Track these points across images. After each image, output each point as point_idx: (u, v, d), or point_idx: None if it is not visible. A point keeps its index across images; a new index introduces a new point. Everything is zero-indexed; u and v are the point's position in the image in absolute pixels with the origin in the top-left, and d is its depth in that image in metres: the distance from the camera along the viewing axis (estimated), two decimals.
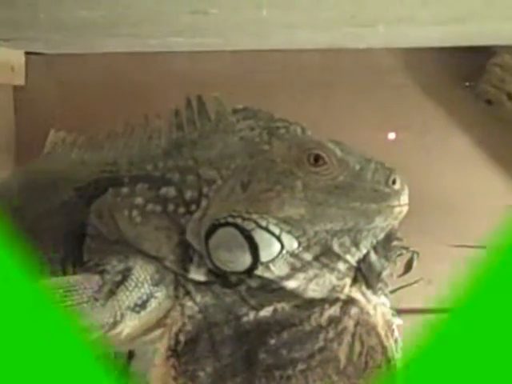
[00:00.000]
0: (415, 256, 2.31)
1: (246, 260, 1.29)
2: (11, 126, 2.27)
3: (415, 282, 2.28)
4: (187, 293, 1.36)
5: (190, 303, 1.36)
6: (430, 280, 2.35)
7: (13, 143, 2.27)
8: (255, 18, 1.55)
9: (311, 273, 1.32)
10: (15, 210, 1.57)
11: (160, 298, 1.36)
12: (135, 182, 1.41)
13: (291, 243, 1.29)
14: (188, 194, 1.37)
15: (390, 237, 1.32)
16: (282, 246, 1.29)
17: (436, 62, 2.28)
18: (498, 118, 2.26)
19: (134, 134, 1.54)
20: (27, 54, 2.25)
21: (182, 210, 1.36)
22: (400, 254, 2.17)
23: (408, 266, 2.32)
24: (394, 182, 1.27)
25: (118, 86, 2.22)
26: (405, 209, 1.28)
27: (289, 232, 1.29)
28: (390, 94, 2.28)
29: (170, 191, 1.38)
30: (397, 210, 1.27)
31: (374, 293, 1.34)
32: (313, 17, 1.57)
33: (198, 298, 1.35)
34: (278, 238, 1.29)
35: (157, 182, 1.40)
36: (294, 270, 1.32)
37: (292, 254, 1.30)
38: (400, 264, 2.25)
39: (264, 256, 1.29)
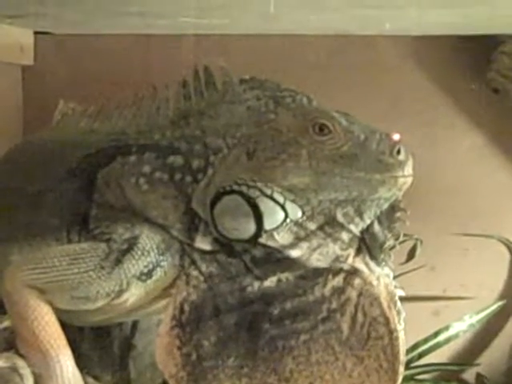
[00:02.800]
0: (419, 243, 2.32)
1: (251, 228, 1.30)
2: (20, 105, 2.28)
3: (418, 268, 2.28)
4: (193, 262, 1.37)
5: (195, 273, 1.36)
6: (432, 267, 2.36)
7: (21, 123, 2.29)
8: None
9: (315, 242, 1.33)
10: (23, 177, 1.58)
11: (166, 267, 1.37)
12: (143, 150, 1.43)
13: (295, 212, 1.30)
14: (195, 163, 1.38)
15: (393, 208, 1.32)
16: (286, 215, 1.30)
17: (444, 50, 2.29)
18: (504, 107, 2.27)
19: (143, 104, 1.55)
20: (36, 33, 2.25)
21: (188, 178, 1.37)
22: (404, 241, 2.20)
23: (411, 254, 2.33)
24: (398, 153, 1.27)
25: (125, 67, 2.23)
26: (409, 180, 1.28)
27: (293, 201, 1.30)
28: (397, 81, 2.28)
29: (177, 160, 1.39)
30: (401, 180, 1.27)
31: (378, 264, 1.35)
32: None
33: (204, 268, 1.36)
34: (282, 207, 1.29)
35: (164, 150, 1.41)
36: (297, 239, 1.32)
37: (296, 223, 1.31)
38: (404, 251, 2.26)
39: (268, 224, 1.30)
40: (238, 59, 1.94)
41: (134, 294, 1.38)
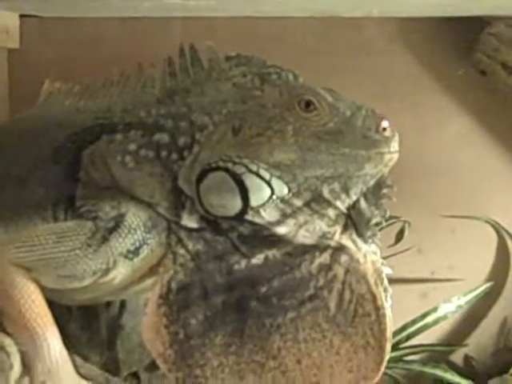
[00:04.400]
0: (406, 226, 2.32)
1: (237, 204, 1.30)
2: (5, 89, 2.26)
3: (406, 250, 2.29)
4: (179, 240, 1.37)
5: (182, 251, 1.36)
6: (420, 249, 2.36)
7: (7, 107, 2.27)
8: None
9: (301, 219, 1.33)
10: (9, 156, 1.58)
11: (152, 244, 1.37)
12: (129, 128, 1.43)
13: (281, 188, 1.30)
14: (181, 140, 1.38)
15: (380, 184, 1.33)
16: (272, 191, 1.30)
17: (431, 32, 2.29)
18: (491, 88, 2.27)
19: (129, 82, 1.56)
20: (22, 16, 2.24)
21: (174, 156, 1.37)
22: (392, 223, 2.20)
23: (399, 236, 2.33)
24: (384, 129, 1.27)
25: (111, 50, 2.22)
26: (395, 156, 1.29)
27: (279, 177, 1.30)
28: (384, 64, 2.28)
29: (163, 137, 1.39)
30: (387, 156, 1.28)
31: (365, 241, 1.35)
32: None
33: (190, 246, 1.36)
34: (268, 183, 1.30)
35: (150, 128, 1.41)
36: (284, 216, 1.32)
37: (282, 200, 1.31)
38: (392, 233, 2.27)
39: (254, 200, 1.30)
40: (225, 42, 1.93)
41: (120, 272, 1.38)
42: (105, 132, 1.45)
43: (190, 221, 1.35)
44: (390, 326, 1.35)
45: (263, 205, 1.30)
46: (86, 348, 1.65)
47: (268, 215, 1.32)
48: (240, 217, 1.31)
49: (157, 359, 1.36)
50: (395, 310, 1.36)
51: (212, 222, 1.35)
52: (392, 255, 2.21)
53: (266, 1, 1.91)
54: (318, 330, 1.35)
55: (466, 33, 2.24)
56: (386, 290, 1.35)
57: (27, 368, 1.33)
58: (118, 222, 1.36)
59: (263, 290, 1.35)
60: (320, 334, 1.35)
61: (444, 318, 2.31)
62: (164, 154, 1.38)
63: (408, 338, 2.27)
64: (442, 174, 2.33)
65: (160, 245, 1.37)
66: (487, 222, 2.37)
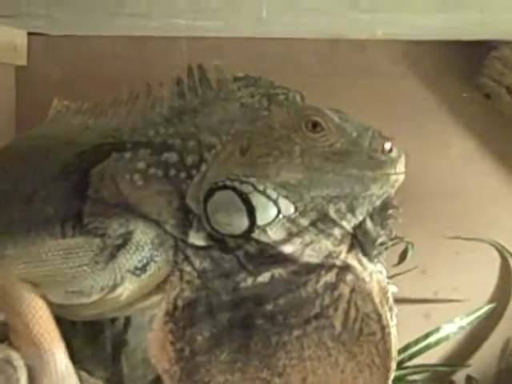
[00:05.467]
0: (410, 246, 2.33)
1: (244, 223, 1.31)
2: (12, 105, 2.28)
3: (409, 271, 2.29)
4: (186, 258, 1.38)
5: (188, 268, 1.37)
6: (424, 270, 2.37)
7: (14, 123, 2.29)
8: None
9: (307, 238, 1.33)
10: (18, 173, 1.59)
11: (160, 262, 1.38)
12: (137, 147, 1.44)
13: (288, 208, 1.31)
14: (189, 160, 1.39)
15: (386, 205, 1.34)
16: (279, 211, 1.31)
17: (436, 55, 2.30)
18: (496, 112, 2.28)
19: (137, 102, 1.57)
20: (30, 34, 2.26)
21: (183, 175, 1.38)
22: (395, 244, 2.21)
23: (403, 256, 2.34)
24: (390, 150, 1.28)
25: (118, 69, 2.24)
26: (401, 177, 1.30)
27: (286, 197, 1.31)
28: (389, 86, 2.29)
29: (172, 156, 1.40)
30: (393, 177, 1.28)
31: (370, 260, 1.35)
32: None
33: (197, 264, 1.37)
34: (275, 202, 1.30)
35: (159, 147, 1.42)
36: (290, 235, 1.33)
37: (289, 219, 1.32)
38: (395, 254, 2.27)
39: (261, 219, 1.31)
40: (230, 62, 1.95)
41: (128, 288, 1.39)
42: (114, 150, 1.46)
43: (197, 239, 1.36)
44: (396, 345, 1.35)
45: (270, 224, 1.31)
46: (90, 363, 1.65)
47: (274, 234, 1.32)
48: (247, 235, 1.32)
49: (163, 375, 1.36)
50: (398, 329, 1.36)
51: (219, 240, 1.36)
52: (396, 275, 2.21)
53: (272, 22, 1.92)
54: (323, 349, 1.35)
55: (471, 56, 2.26)
56: (391, 308, 1.36)
57: (33, 382, 1.33)
58: (125, 239, 1.37)
59: (269, 307, 1.36)
60: (325, 352, 1.35)
61: (446, 338, 2.32)
62: (172, 172, 1.39)
63: (411, 357, 2.28)
64: (447, 195, 2.34)
65: (167, 262, 1.38)
66: (491, 244, 2.38)
